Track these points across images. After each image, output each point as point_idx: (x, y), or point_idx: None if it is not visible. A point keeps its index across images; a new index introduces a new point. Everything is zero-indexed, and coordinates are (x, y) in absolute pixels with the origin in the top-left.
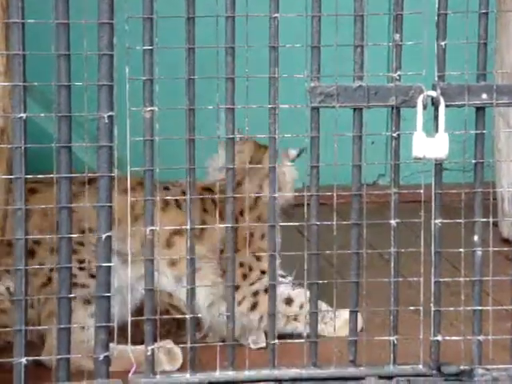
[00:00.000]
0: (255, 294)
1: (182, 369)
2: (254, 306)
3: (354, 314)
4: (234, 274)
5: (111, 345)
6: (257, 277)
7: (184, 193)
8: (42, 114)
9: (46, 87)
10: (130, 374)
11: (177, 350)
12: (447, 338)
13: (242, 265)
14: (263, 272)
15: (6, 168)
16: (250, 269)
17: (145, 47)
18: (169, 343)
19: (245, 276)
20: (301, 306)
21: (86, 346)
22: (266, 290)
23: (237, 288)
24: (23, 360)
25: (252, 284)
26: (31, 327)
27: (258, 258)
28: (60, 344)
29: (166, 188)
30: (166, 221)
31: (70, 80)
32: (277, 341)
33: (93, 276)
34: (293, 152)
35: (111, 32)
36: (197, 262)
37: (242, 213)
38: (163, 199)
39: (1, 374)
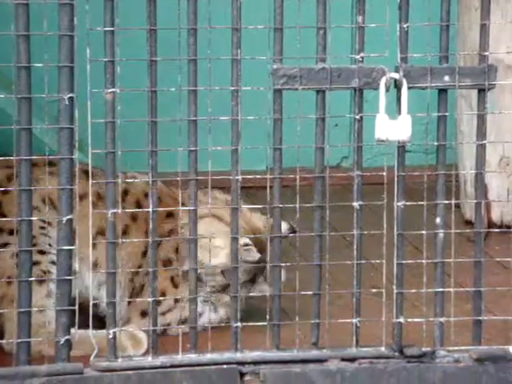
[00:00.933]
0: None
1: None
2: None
3: (316, 296)
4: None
5: (72, 330)
6: (169, 306)
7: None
8: (2, 96)
9: (6, 68)
10: (91, 358)
11: (141, 334)
12: (409, 319)
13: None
14: (177, 301)
15: None
16: (163, 294)
17: (106, 28)
18: (133, 328)
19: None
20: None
21: (45, 330)
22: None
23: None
24: None
25: (163, 314)
26: None
27: (175, 285)
28: (20, 328)
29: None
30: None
31: (29, 61)
32: (239, 323)
33: (43, 252)
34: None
35: (72, 13)
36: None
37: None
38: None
39: None
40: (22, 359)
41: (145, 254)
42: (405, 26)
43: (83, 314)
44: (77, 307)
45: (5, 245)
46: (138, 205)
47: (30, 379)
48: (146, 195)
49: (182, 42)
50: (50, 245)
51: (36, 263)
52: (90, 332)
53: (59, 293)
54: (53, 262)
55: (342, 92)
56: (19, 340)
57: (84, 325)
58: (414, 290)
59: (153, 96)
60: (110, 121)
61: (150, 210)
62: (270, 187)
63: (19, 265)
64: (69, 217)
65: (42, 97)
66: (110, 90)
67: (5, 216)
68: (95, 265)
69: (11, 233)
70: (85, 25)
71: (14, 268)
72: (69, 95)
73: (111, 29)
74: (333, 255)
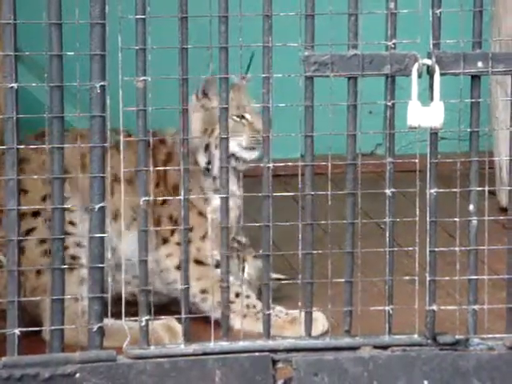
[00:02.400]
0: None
1: None
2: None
3: (348, 283)
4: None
5: (105, 320)
6: None
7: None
8: (34, 84)
9: (39, 56)
10: (124, 345)
11: (178, 327)
12: (442, 307)
13: (170, 218)
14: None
15: None
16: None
17: (137, 16)
18: (170, 320)
19: (173, 232)
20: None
21: (81, 318)
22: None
23: (164, 241)
24: (16, 331)
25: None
26: (24, 299)
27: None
28: (53, 315)
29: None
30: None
31: (61, 49)
32: (271, 311)
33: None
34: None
35: (103, 1)
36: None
37: None
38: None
39: None
40: (55, 346)
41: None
42: (437, 11)
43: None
44: (109, 296)
45: (30, 231)
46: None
47: (64, 366)
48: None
49: (213, 30)
50: (71, 223)
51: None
52: (123, 321)
53: (91, 280)
54: (78, 245)
55: (377, 78)
56: (52, 328)
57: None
58: (447, 278)
59: (184, 84)
60: (142, 109)
61: (182, 197)
62: (302, 175)
63: (52, 253)
64: (101, 204)
65: (74, 85)
66: (141, 78)
67: (27, 193)
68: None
69: (34, 215)
70: (116, 13)
71: (42, 257)
72: (100, 83)
73: (142, 17)
74: (367, 243)
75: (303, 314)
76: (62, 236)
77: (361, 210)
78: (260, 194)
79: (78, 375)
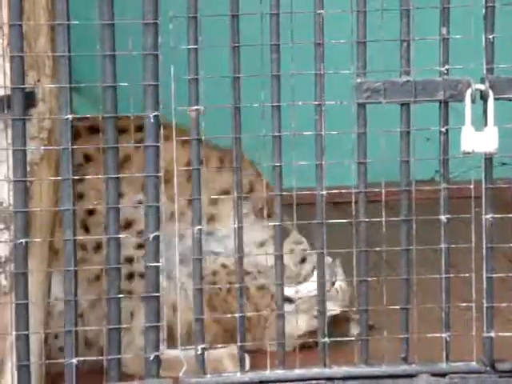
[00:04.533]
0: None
1: None
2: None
3: (404, 310)
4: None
5: (161, 347)
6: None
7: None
8: (89, 116)
9: (97, 87)
10: (180, 374)
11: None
12: (500, 334)
13: None
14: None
15: (54, 169)
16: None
17: (189, 46)
18: (234, 349)
19: None
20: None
21: None
22: None
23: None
24: (74, 361)
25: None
26: (81, 327)
27: None
28: (110, 344)
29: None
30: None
31: (115, 81)
32: (327, 339)
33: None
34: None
35: (156, 32)
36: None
37: None
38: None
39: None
40: (112, 376)
41: None
42: (490, 36)
43: None
44: (164, 323)
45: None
46: None
47: None
48: None
49: (265, 58)
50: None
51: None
52: (179, 349)
53: (147, 309)
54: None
55: (434, 105)
56: (109, 357)
57: None
58: (504, 304)
59: (236, 112)
60: (195, 138)
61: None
62: (356, 202)
63: (108, 280)
64: (155, 234)
65: (128, 116)
66: (194, 108)
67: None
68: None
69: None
70: (169, 43)
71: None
72: (154, 113)
73: (195, 46)
74: (425, 269)
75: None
76: (118, 265)
77: (418, 237)
78: (314, 222)
79: None
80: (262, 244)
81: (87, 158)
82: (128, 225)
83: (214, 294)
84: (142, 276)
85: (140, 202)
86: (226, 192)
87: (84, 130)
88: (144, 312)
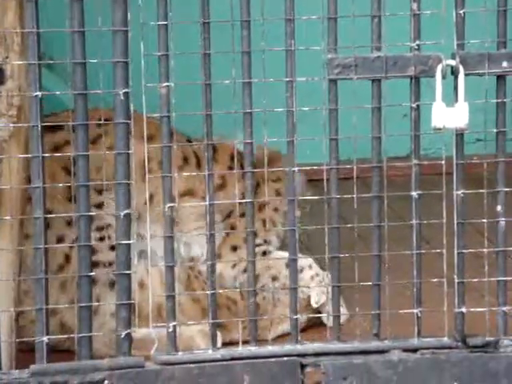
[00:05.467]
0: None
1: None
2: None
3: (376, 287)
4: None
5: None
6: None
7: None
8: (58, 92)
9: (67, 64)
10: (151, 352)
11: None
12: (471, 309)
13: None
14: (265, 241)
15: (24, 147)
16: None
17: (159, 22)
18: (205, 326)
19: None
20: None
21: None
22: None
23: (235, 248)
24: (45, 339)
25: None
26: (51, 306)
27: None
28: (80, 323)
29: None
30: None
31: (85, 57)
32: (299, 315)
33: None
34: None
35: (125, 8)
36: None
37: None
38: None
39: (22, 354)
40: (83, 354)
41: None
42: (461, 11)
43: None
44: (136, 302)
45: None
46: None
47: (92, 373)
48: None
49: (236, 34)
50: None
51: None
52: (150, 327)
53: (119, 287)
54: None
55: (407, 81)
56: (80, 335)
57: None
58: (475, 280)
59: (207, 89)
60: (165, 115)
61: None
62: (328, 179)
63: (78, 259)
64: (126, 211)
65: (97, 92)
66: (164, 84)
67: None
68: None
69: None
70: (138, 19)
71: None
72: (124, 90)
73: (164, 23)
74: (399, 246)
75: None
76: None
77: (392, 213)
78: (286, 198)
79: (106, 382)
80: None
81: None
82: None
83: (193, 277)
84: (104, 265)
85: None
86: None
87: None
88: (116, 289)
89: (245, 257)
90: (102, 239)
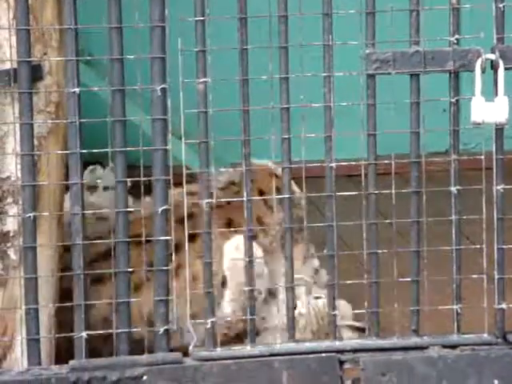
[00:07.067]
0: None
1: None
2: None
3: (415, 283)
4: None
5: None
6: None
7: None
8: (96, 88)
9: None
10: (190, 347)
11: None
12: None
13: None
14: None
15: (62, 143)
16: None
17: (197, 18)
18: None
19: None
20: None
21: None
22: None
23: None
24: (84, 334)
25: None
26: (90, 301)
27: None
28: (119, 318)
29: None
30: None
31: (122, 53)
32: (337, 311)
33: None
34: None
35: (163, 4)
36: None
37: None
38: None
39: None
40: (122, 349)
41: None
42: (501, 5)
43: None
44: (174, 297)
45: None
46: None
47: (131, 369)
48: None
49: (273, 30)
50: None
51: None
52: (188, 322)
53: (157, 283)
54: None
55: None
56: (119, 330)
57: None
58: None
59: (244, 85)
60: (203, 111)
61: (245, 199)
62: (366, 175)
63: (117, 255)
64: (164, 207)
65: (135, 88)
66: (201, 80)
67: None
68: None
69: None
70: (176, 16)
71: None
72: (161, 86)
73: (202, 18)
74: (437, 241)
75: None
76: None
77: (431, 209)
78: (324, 194)
79: (145, 378)
80: None
81: None
82: None
83: None
84: None
85: None
86: None
87: None
88: (154, 286)
89: None
90: None
